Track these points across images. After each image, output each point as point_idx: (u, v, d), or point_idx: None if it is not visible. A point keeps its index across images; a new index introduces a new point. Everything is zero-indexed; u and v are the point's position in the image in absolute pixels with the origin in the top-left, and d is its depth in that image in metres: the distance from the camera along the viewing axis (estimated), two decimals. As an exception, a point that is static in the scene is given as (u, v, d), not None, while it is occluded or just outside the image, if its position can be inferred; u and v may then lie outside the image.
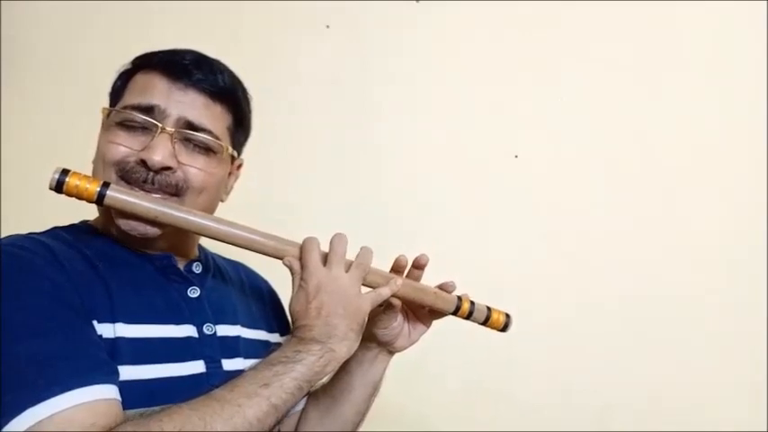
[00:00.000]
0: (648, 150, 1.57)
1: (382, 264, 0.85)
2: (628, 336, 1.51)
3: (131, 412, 0.66)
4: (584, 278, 1.53)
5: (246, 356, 0.84)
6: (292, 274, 0.79)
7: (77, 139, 0.91)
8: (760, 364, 1.48)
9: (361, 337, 0.80)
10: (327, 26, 1.64)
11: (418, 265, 0.87)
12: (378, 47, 1.64)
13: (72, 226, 0.84)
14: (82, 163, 0.80)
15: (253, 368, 0.73)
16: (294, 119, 1.59)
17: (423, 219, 1.57)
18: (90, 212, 0.85)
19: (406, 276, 0.87)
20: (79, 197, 0.73)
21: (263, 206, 1.30)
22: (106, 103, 0.85)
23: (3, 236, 0.75)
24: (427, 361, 1.42)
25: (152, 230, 0.77)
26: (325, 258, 0.79)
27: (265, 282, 1.03)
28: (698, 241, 1.52)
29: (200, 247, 0.92)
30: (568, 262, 1.54)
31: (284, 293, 0.91)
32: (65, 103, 1.62)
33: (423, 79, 1.62)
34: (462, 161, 1.59)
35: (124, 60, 0.85)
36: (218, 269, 0.92)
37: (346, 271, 0.78)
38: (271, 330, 0.94)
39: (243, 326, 0.87)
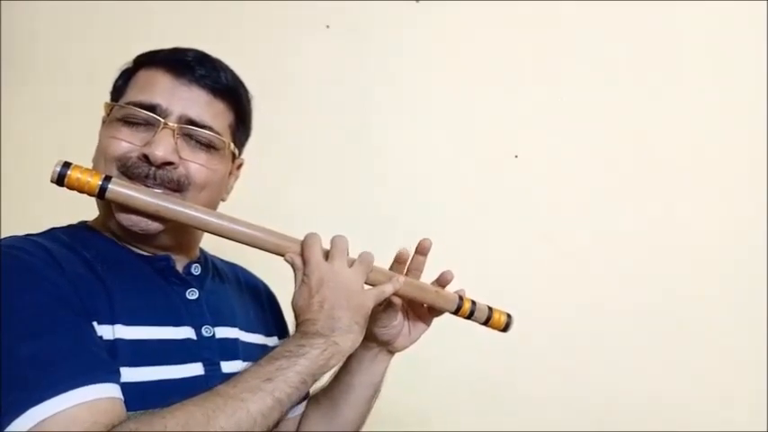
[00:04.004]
0: (648, 150, 1.56)
1: (382, 264, 0.84)
2: (627, 335, 1.51)
3: (132, 413, 0.66)
4: (583, 278, 1.53)
5: (245, 359, 0.83)
6: (294, 270, 0.78)
7: (77, 138, 0.91)
8: (760, 364, 1.48)
9: (364, 332, 0.79)
10: (327, 26, 1.64)
11: (422, 251, 0.87)
12: (378, 47, 1.64)
13: (70, 227, 0.83)
14: (82, 163, 0.80)
15: (256, 363, 0.72)
16: (294, 119, 1.59)
17: (422, 219, 1.57)
18: (90, 213, 0.85)
19: (410, 263, 0.87)
20: (80, 191, 0.72)
21: (261, 205, 1.29)
22: (105, 102, 0.85)
23: (2, 236, 0.75)
24: (427, 361, 1.42)
25: (154, 226, 0.76)
26: (327, 254, 0.78)
27: (264, 284, 1.03)
28: (698, 241, 1.52)
29: (200, 249, 0.91)
30: (568, 262, 1.54)
31: (284, 292, 0.91)
32: (65, 103, 1.62)
33: (423, 79, 1.62)
34: (462, 161, 1.59)
35: (124, 60, 0.85)
36: (216, 271, 0.92)
37: (349, 267, 0.78)
38: (268, 334, 0.94)
39: (241, 329, 0.87)
